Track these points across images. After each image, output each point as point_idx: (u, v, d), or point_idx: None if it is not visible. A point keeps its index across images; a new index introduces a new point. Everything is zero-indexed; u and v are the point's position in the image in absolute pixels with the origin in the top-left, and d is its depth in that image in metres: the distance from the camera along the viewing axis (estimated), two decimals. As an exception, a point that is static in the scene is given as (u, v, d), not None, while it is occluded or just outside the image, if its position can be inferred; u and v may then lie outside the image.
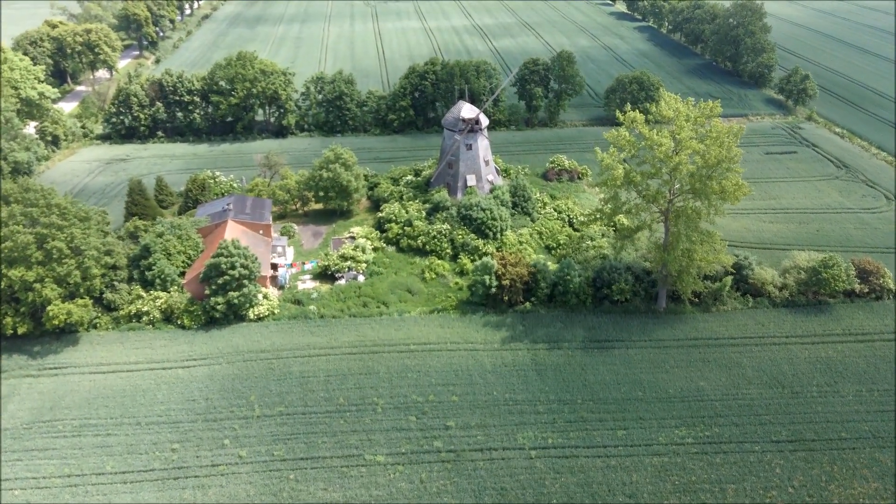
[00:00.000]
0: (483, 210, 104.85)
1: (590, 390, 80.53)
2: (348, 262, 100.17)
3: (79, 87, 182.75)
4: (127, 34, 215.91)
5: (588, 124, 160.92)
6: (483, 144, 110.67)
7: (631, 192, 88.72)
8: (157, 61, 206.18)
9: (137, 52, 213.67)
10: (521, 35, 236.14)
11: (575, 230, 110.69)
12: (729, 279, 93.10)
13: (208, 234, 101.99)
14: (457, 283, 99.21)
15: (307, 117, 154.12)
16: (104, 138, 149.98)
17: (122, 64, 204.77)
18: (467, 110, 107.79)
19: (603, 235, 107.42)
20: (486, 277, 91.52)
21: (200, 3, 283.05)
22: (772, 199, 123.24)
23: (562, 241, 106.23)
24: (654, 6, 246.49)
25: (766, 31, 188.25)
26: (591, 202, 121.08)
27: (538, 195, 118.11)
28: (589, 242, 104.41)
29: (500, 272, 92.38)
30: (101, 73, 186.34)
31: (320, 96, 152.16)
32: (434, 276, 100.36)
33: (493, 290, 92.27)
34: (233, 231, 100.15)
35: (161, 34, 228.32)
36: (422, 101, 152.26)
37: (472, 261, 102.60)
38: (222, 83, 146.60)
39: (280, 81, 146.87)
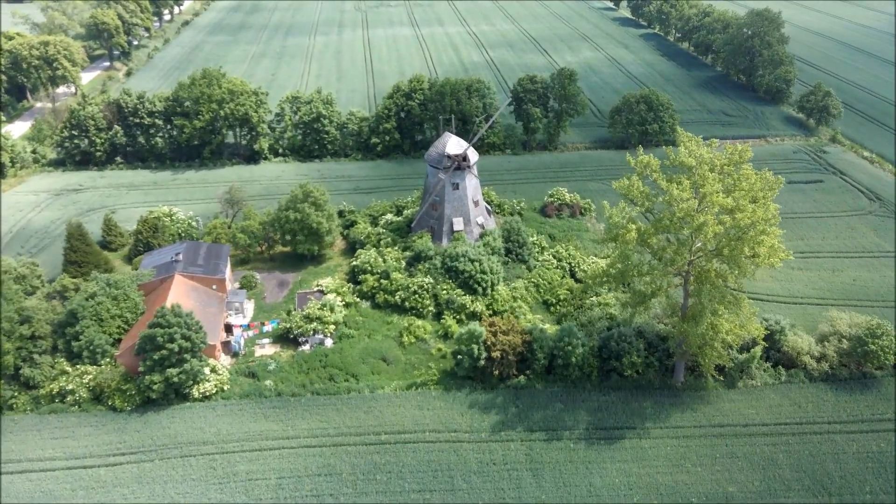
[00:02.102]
0: (471, 261, 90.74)
1: (596, 498, 66.58)
2: (314, 325, 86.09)
3: (39, 104, 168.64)
4: (98, 43, 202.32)
5: (591, 147, 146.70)
6: (472, 184, 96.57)
7: (644, 254, 74.45)
8: (129, 73, 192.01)
9: (108, 63, 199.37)
10: (519, 44, 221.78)
11: (577, 281, 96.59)
12: (759, 350, 79.07)
13: (152, 290, 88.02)
14: (439, 350, 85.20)
15: (282, 141, 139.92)
16: (58, 164, 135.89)
17: (92, 76, 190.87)
18: (453, 145, 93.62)
19: (609, 290, 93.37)
20: (474, 348, 77.48)
21: (182, 8, 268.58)
22: (799, 240, 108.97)
23: (562, 297, 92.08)
24: (660, 12, 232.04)
25: (784, 42, 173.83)
26: (595, 245, 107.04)
27: (535, 238, 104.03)
28: (594, 299, 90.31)
29: (489, 341, 78.37)
30: (63, 88, 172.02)
31: (296, 118, 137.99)
32: (413, 340, 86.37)
33: (482, 362, 78.27)
34: (179, 288, 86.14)
35: (135, 43, 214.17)
36: (408, 123, 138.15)
37: (458, 321, 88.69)
38: (187, 104, 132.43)
39: (250, 102, 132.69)
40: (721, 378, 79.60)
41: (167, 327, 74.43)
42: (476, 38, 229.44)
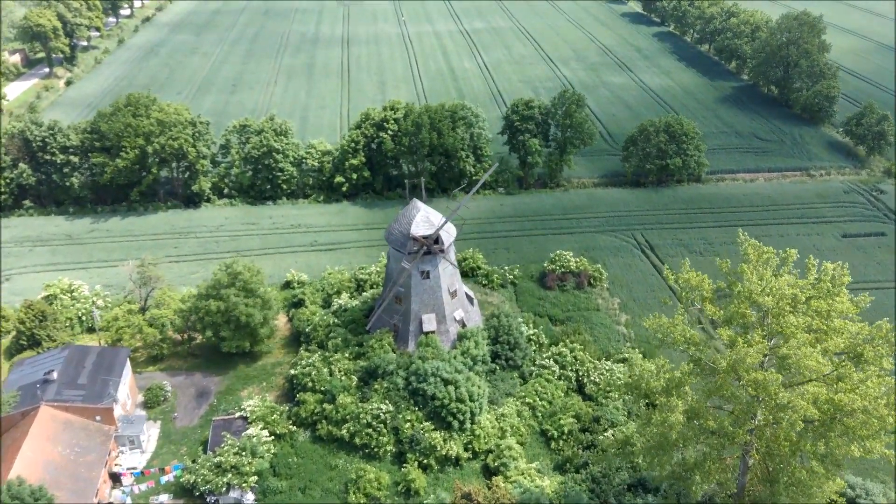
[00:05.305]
0: (445, 384, 67.44)
1: None
2: (228, 476, 62.98)
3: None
4: (38, 45, 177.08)
5: (601, 184, 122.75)
6: (447, 271, 72.90)
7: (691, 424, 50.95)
8: (69, 82, 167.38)
9: (48, 70, 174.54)
10: (516, 45, 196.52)
11: (586, 398, 73.49)
12: (844, 540, 55.93)
13: (10, 426, 64.78)
14: (398, 517, 62.27)
15: (228, 179, 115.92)
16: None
17: (27, 85, 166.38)
18: (421, 222, 69.74)
19: (629, 414, 70.36)
20: (440, 538, 54.55)
21: (144, 1, 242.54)
22: (866, 324, 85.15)
23: (566, 428, 68.79)
24: (676, 9, 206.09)
25: (825, 50, 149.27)
26: (609, 330, 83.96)
27: (531, 329, 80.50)
28: (609, 435, 66.97)
29: (463, 524, 55.47)
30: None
31: (245, 150, 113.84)
32: (363, 499, 63.22)
33: (453, 552, 55.44)
34: (44, 428, 63.22)
35: (83, 44, 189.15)
36: (380, 157, 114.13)
37: (425, 468, 65.68)
38: (111, 136, 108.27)
39: (186, 135, 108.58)
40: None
41: (-3, 519, 51.48)
42: (468, 37, 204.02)
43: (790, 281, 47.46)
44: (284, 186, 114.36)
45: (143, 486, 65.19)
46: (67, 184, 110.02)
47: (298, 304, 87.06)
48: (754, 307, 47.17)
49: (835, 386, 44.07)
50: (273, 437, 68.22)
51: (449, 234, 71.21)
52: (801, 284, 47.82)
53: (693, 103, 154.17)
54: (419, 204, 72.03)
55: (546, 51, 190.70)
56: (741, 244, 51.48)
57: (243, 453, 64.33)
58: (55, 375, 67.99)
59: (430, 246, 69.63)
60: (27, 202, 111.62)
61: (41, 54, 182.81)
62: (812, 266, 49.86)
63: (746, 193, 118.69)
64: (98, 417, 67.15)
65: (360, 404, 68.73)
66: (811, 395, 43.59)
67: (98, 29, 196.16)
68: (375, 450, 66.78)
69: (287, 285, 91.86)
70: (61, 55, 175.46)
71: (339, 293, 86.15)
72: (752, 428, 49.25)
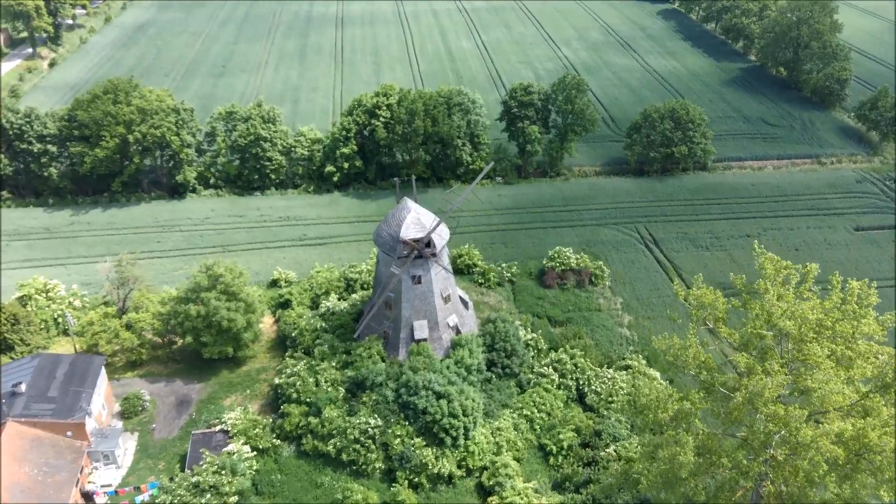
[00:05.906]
0: (437, 397, 63.51)
1: None
2: (207, 497, 59.33)
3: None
4: (22, 24, 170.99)
5: (602, 172, 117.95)
6: (440, 276, 68.58)
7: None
8: (53, 63, 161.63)
9: (31, 50, 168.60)
10: (516, 25, 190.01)
11: (587, 408, 69.69)
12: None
13: (-26, 445, 60.98)
14: (387, 541, 58.74)
15: (214, 168, 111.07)
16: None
17: (11, 66, 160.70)
18: (411, 224, 65.26)
19: (632, 428, 66.57)
20: (431, 570, 50.95)
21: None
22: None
23: (566, 443, 65.00)
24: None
25: (837, 30, 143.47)
26: (611, 333, 79.95)
27: (529, 334, 76.45)
28: (612, 451, 63.20)
29: (455, 555, 51.84)
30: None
31: (232, 138, 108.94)
32: (350, 521, 59.69)
33: (444, 583, 51.89)
34: (11, 446, 59.37)
35: (68, 23, 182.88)
36: (372, 145, 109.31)
37: (416, 486, 62.03)
38: (90, 125, 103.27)
39: (169, 122, 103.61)
40: None
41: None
42: (467, 16, 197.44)
43: (814, 305, 43.12)
44: (273, 176, 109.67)
45: (117, 507, 61.66)
46: (46, 174, 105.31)
47: (285, 304, 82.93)
48: (772, 329, 42.95)
49: (862, 421, 39.94)
50: (255, 453, 64.57)
51: (441, 237, 66.77)
52: (826, 307, 43.48)
53: (698, 85, 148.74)
54: (410, 204, 67.45)
55: (547, 30, 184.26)
56: (757, 257, 47.14)
57: (223, 472, 60.59)
58: (24, 388, 64.04)
59: (422, 250, 65.25)
60: (5, 193, 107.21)
61: (24, 34, 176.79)
62: (836, 284, 45.52)
63: (755, 183, 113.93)
64: (69, 433, 63.34)
65: (347, 418, 64.92)
66: (835, 432, 39.52)
67: (84, 6, 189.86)
68: (363, 467, 63.12)
69: (274, 284, 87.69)
70: (45, 35, 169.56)
71: (327, 294, 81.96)
72: (768, 458, 45.41)
